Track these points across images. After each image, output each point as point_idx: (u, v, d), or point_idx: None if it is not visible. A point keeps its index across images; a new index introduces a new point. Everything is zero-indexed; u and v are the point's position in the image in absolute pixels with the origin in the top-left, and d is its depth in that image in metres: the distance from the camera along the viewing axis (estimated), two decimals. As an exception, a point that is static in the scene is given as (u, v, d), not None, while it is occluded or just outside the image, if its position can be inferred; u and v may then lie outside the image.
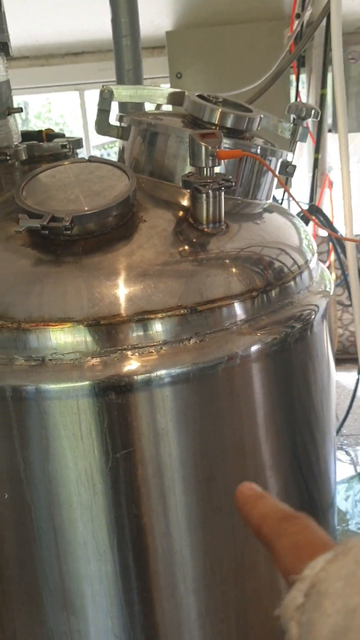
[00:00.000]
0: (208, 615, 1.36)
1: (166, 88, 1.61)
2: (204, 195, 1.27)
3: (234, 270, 1.30)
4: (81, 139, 1.81)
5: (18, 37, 5.37)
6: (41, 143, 1.70)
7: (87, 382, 1.13)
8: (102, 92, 1.52)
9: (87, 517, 1.21)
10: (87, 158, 1.41)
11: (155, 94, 1.56)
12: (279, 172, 1.68)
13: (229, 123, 1.47)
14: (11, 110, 1.45)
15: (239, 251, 1.34)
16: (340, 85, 2.15)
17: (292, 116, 1.65)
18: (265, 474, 1.40)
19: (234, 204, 1.53)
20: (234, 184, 1.30)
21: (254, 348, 1.25)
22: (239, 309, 1.28)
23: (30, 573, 1.29)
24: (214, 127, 1.47)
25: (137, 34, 1.91)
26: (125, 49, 1.88)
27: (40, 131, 1.74)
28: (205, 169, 1.28)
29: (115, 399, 1.14)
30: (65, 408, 1.15)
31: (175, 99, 1.60)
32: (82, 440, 1.16)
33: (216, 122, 1.47)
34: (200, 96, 1.52)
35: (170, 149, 1.46)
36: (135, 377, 1.14)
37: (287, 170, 1.67)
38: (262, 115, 1.54)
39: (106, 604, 1.28)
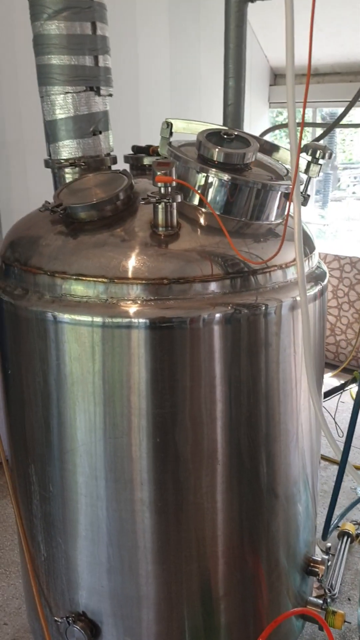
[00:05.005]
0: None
1: (209, 124, 2.07)
2: (153, 205, 1.77)
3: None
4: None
5: (333, 55, 5.84)
6: (147, 156, 2.33)
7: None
8: (162, 124, 2.08)
9: (87, 389, 1.82)
10: (121, 170, 2.02)
11: (199, 129, 2.03)
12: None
13: (222, 158, 1.89)
14: (96, 132, 2.12)
15: (181, 250, 1.80)
16: None
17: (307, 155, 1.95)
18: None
19: (236, 222, 1.95)
20: (179, 198, 1.76)
21: (205, 315, 1.75)
22: (187, 287, 1.75)
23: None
24: (213, 162, 1.91)
25: (239, 76, 2.33)
26: (230, 88, 2.34)
27: (149, 147, 2.36)
28: (161, 188, 1.76)
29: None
30: (72, 329, 1.78)
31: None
32: (79, 343, 1.79)
33: (214, 158, 1.90)
34: (216, 132, 1.95)
35: (178, 170, 1.95)
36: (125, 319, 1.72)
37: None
38: (253, 152, 1.89)
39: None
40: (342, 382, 4.29)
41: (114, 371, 1.79)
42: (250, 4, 2.58)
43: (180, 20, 4.97)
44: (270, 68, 6.30)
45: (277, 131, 7.24)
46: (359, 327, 5.42)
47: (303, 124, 1.55)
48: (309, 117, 5.96)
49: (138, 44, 4.62)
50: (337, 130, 8.70)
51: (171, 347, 1.78)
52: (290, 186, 1.93)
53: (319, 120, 6.46)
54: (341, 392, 3.97)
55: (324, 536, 2.21)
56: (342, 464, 2.02)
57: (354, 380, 3.45)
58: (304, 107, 1.49)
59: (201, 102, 5.24)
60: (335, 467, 3.73)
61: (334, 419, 4.10)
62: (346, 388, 4.01)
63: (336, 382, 4.73)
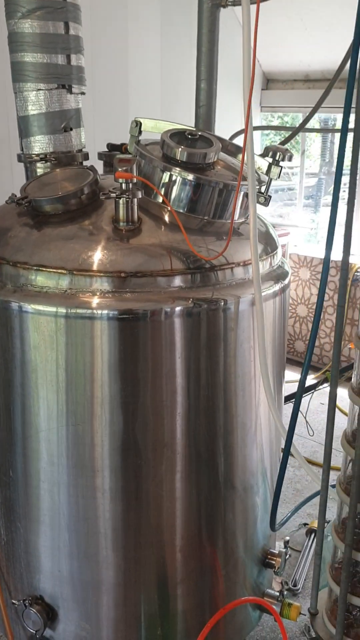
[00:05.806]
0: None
1: (177, 124, 2.12)
2: (114, 200, 1.82)
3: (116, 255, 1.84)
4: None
5: (323, 62, 5.91)
6: (120, 153, 2.39)
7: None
8: (132, 122, 2.14)
9: (46, 377, 1.88)
10: (88, 166, 2.07)
11: (166, 128, 2.09)
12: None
13: (184, 158, 1.94)
14: (67, 128, 2.18)
15: (141, 245, 1.86)
16: None
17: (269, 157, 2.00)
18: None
19: (200, 220, 2.00)
20: (140, 194, 1.82)
21: (167, 308, 1.80)
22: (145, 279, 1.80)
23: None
24: (177, 161, 1.96)
25: (211, 78, 2.39)
26: (202, 90, 2.40)
27: (122, 144, 2.42)
28: (122, 184, 1.81)
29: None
30: (33, 318, 1.84)
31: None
32: (39, 332, 1.87)
33: (177, 157, 1.96)
34: (180, 132, 2.01)
35: (144, 168, 2.01)
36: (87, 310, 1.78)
37: (259, 201, 2.04)
38: (215, 152, 1.95)
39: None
40: (316, 381, 4.36)
41: (75, 360, 1.85)
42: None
43: (172, 19, 5.03)
44: (263, 72, 6.37)
45: (269, 133, 7.32)
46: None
47: (247, 128, 1.60)
48: (299, 123, 6.01)
49: (128, 42, 4.67)
50: (336, 135, 8.76)
51: (131, 339, 1.83)
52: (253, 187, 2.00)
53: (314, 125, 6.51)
54: (312, 392, 4.04)
55: (272, 527, 2.25)
56: (286, 450, 2.09)
57: (325, 380, 3.51)
58: (248, 111, 1.54)
59: (191, 101, 5.30)
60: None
61: (305, 417, 4.14)
62: (318, 388, 4.07)
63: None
